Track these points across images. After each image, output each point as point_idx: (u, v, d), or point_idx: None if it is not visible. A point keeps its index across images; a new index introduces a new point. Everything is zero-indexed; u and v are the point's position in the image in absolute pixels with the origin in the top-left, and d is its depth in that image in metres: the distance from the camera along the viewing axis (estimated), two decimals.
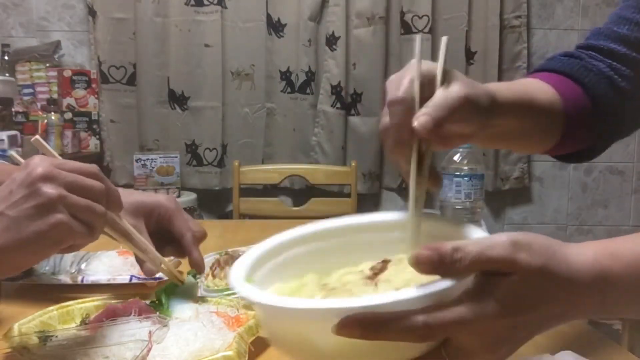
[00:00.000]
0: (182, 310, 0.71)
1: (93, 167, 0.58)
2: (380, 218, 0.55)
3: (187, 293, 0.74)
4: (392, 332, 0.38)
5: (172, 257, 0.98)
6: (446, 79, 0.50)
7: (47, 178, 0.53)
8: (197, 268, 0.75)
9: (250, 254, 0.51)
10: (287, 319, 0.42)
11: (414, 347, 0.40)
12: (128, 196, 0.75)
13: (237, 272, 0.46)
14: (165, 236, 0.76)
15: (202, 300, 0.75)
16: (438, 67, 0.51)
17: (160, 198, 0.78)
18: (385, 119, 0.50)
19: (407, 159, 0.49)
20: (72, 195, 0.54)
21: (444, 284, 0.39)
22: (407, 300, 0.38)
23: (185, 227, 0.75)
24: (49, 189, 0.53)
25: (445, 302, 0.39)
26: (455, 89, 0.50)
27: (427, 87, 0.50)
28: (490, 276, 0.40)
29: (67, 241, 0.55)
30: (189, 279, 0.76)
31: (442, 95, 0.49)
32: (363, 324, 0.38)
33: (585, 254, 0.43)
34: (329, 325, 0.38)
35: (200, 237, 0.77)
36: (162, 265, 0.73)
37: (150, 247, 0.71)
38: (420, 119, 0.47)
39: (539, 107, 0.63)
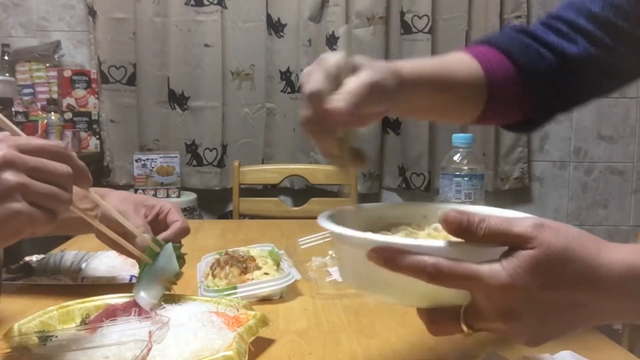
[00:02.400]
0: (182, 311, 0.71)
1: (58, 146, 0.55)
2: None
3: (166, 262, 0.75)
4: (405, 265, 0.43)
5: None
6: (355, 68, 0.54)
7: (6, 164, 0.50)
8: (182, 231, 0.80)
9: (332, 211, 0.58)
10: (345, 247, 0.52)
11: (436, 294, 0.45)
12: (136, 195, 0.85)
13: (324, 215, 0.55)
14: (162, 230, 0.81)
15: (201, 300, 0.75)
16: (342, 56, 0.54)
17: (162, 200, 0.87)
18: (305, 111, 0.54)
19: (332, 144, 0.56)
20: (33, 182, 0.51)
21: (468, 245, 0.44)
22: (428, 247, 0.44)
23: (179, 217, 0.83)
24: (8, 176, 0.49)
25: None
26: (364, 76, 0.53)
27: (341, 77, 0.53)
28: (512, 249, 0.42)
29: (26, 230, 0.52)
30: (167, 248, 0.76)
31: (352, 82, 0.52)
32: (385, 254, 0.44)
33: (621, 250, 0.44)
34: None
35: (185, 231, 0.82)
36: (137, 239, 0.75)
37: (128, 223, 0.74)
38: (335, 104, 0.51)
39: (453, 81, 0.66)
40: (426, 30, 2.51)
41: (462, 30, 2.52)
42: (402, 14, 2.54)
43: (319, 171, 2.16)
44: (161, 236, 0.78)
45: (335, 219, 0.54)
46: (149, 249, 0.74)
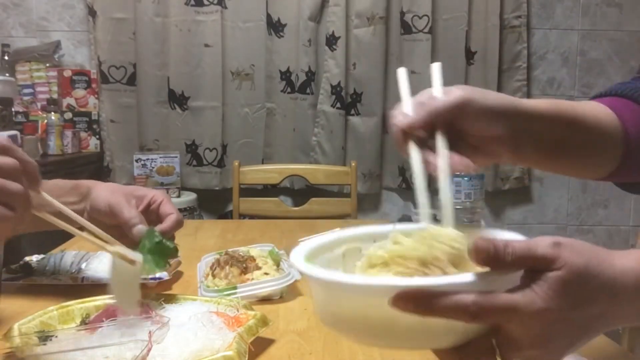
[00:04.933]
0: (182, 311, 0.71)
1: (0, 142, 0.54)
2: (409, 227, 0.56)
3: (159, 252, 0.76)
4: (444, 307, 0.40)
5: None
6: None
7: None
8: (162, 231, 0.78)
9: (307, 245, 0.53)
10: (347, 295, 0.45)
11: (462, 330, 0.42)
12: (126, 187, 0.84)
13: (297, 256, 0.50)
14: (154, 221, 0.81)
15: (201, 300, 0.75)
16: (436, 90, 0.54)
17: (153, 190, 0.86)
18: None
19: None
20: None
21: (495, 273, 0.42)
22: (460, 284, 0.41)
23: (174, 210, 0.82)
24: None
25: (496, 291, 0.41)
26: (454, 91, 0.53)
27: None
28: (537, 272, 0.42)
29: None
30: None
31: (440, 98, 0.53)
32: (417, 298, 0.40)
33: (629, 257, 0.44)
34: (385, 300, 0.40)
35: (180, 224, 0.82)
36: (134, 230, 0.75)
37: (94, 227, 0.70)
38: (399, 117, 0.53)
39: (586, 121, 0.60)
40: (426, 30, 2.51)
41: (462, 30, 2.52)
42: (402, 14, 2.54)
43: (319, 171, 2.16)
44: (157, 229, 0.78)
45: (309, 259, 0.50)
46: (143, 242, 0.75)
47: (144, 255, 0.73)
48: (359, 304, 0.44)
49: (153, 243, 0.75)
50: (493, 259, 0.41)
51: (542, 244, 0.42)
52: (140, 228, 0.76)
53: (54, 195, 0.77)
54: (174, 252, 0.78)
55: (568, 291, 0.41)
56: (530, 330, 0.42)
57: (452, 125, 0.54)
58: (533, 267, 0.42)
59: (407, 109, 0.54)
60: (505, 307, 0.41)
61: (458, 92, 0.53)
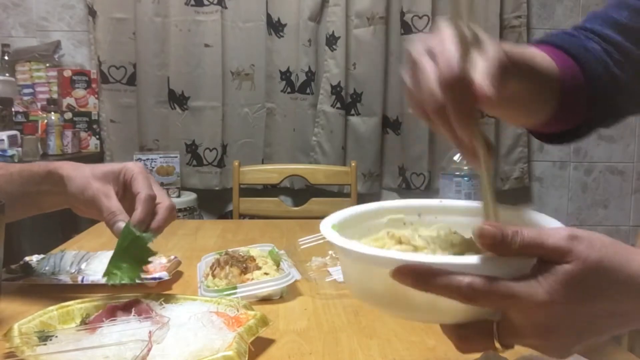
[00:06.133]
0: (182, 311, 0.71)
1: None
2: (456, 203, 0.60)
3: (137, 249, 0.74)
4: (439, 285, 0.41)
5: (173, 256, 0.98)
6: (478, 39, 0.47)
7: None
8: (137, 223, 0.74)
9: (336, 216, 0.54)
10: (351, 262, 0.48)
11: (465, 310, 0.42)
12: (100, 167, 0.79)
13: (327, 221, 0.52)
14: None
15: (201, 300, 0.75)
16: (464, 28, 0.47)
17: (127, 164, 0.80)
18: (436, 98, 0.45)
19: (469, 131, 0.46)
20: None
21: (500, 259, 0.42)
22: (461, 265, 0.41)
23: (142, 187, 0.76)
24: None
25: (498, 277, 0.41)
26: (494, 53, 0.46)
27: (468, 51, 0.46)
28: (547, 263, 0.41)
29: None
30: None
31: (486, 63, 0.46)
32: (415, 273, 0.41)
33: None
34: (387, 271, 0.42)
35: (169, 203, 0.78)
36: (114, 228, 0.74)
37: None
38: (484, 89, 0.44)
39: (538, 71, 0.61)
40: (426, 30, 2.51)
41: None
42: (402, 14, 2.54)
43: (319, 171, 2.16)
44: (154, 225, 0.75)
45: (337, 228, 0.51)
46: (124, 232, 0.73)
47: (118, 261, 0.72)
48: (367, 271, 0.46)
49: (129, 240, 0.72)
50: (498, 245, 0.41)
51: (557, 235, 0.41)
52: (119, 226, 0.73)
53: (30, 184, 0.78)
54: (150, 254, 0.75)
55: (576, 285, 0.40)
56: (532, 321, 0.41)
57: None
58: (543, 257, 0.41)
59: (483, 78, 0.44)
60: (503, 294, 0.40)
61: (494, 55, 0.46)
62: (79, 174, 0.78)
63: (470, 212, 0.57)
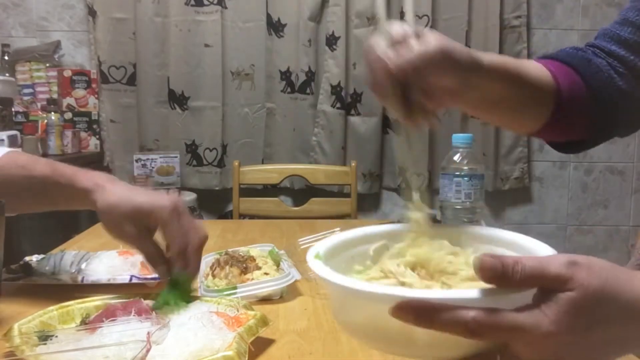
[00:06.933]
0: (182, 311, 0.71)
1: None
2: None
3: (181, 289, 0.75)
4: (443, 321, 0.39)
5: None
6: (422, 35, 0.54)
7: None
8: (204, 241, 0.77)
9: (323, 244, 0.54)
10: (355, 301, 0.46)
11: (468, 345, 0.41)
12: (128, 200, 0.75)
13: (313, 252, 0.51)
14: None
15: (201, 300, 0.75)
16: (409, 21, 0.56)
17: (157, 202, 0.75)
18: (370, 74, 0.55)
19: (386, 102, 0.56)
20: None
21: (502, 291, 0.40)
22: (463, 299, 0.40)
23: (172, 237, 0.75)
24: None
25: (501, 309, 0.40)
26: (432, 39, 0.54)
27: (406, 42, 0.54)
28: (549, 292, 0.40)
29: None
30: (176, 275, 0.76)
31: (417, 43, 0.53)
32: (417, 310, 0.40)
33: None
34: (386, 308, 0.40)
35: (197, 243, 0.77)
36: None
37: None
38: (393, 60, 0.53)
39: (528, 80, 0.65)
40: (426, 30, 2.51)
41: (462, 31, 2.52)
42: (402, 14, 2.53)
43: (319, 171, 2.16)
44: (193, 272, 0.77)
45: (323, 258, 0.50)
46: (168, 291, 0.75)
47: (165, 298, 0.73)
48: (363, 308, 0.45)
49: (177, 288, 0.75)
50: (500, 278, 0.40)
51: (556, 262, 0.40)
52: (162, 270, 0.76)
53: (51, 195, 0.77)
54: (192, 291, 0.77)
55: (580, 313, 0.39)
56: (538, 351, 0.40)
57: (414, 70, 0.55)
58: (543, 285, 0.40)
59: (388, 48, 0.54)
60: (508, 326, 0.39)
61: (435, 42, 0.54)
62: (112, 209, 0.75)
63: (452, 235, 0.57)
